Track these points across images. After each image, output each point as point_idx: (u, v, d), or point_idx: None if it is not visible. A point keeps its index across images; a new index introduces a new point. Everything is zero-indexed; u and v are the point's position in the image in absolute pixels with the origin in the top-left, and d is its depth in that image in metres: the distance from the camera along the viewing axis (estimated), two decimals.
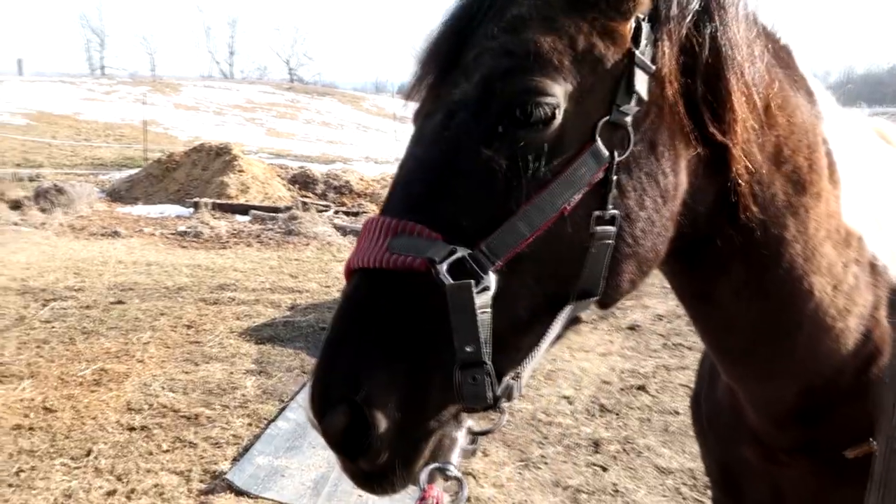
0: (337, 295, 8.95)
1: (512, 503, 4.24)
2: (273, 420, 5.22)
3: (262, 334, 7.26)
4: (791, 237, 1.32)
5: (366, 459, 1.04)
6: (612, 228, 1.13)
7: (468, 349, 1.02)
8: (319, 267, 10.64)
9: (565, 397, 5.82)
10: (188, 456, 4.66)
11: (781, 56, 1.36)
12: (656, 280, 1.46)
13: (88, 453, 4.64)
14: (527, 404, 5.63)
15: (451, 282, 1.01)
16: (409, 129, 1.27)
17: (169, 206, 15.46)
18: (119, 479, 4.34)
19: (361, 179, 18.19)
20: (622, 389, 6.01)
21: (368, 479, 1.08)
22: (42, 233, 12.49)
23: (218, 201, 15.03)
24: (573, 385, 6.09)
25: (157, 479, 4.36)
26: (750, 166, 1.25)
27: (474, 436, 1.13)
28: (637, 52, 1.14)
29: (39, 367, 6.14)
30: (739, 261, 1.33)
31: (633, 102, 1.13)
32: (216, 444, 4.85)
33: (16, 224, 12.86)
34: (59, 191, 14.26)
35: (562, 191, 1.08)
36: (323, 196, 16.86)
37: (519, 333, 1.12)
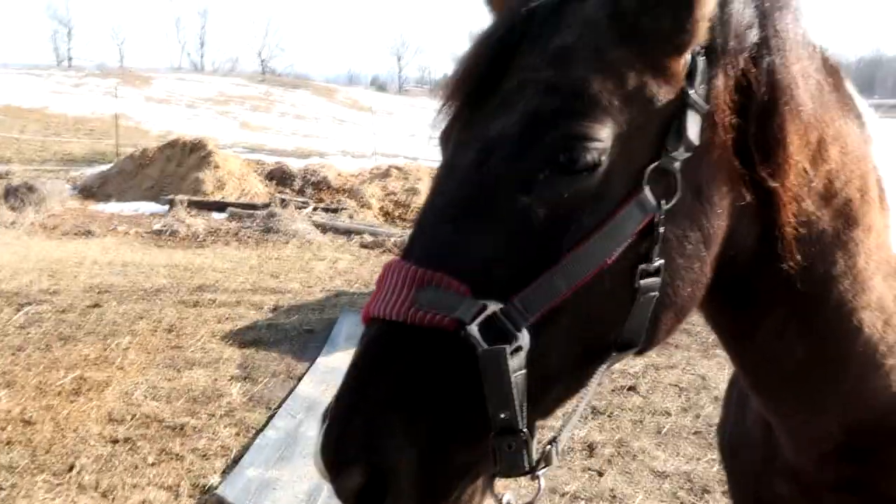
0: (320, 295, 8.88)
1: None
2: (262, 429, 5.10)
3: (246, 337, 7.12)
4: (839, 273, 1.25)
5: None
6: (657, 280, 1.07)
7: (502, 416, 0.96)
8: (300, 266, 10.49)
9: None
10: (175, 469, 4.53)
11: (831, 79, 1.28)
12: None
13: (71, 468, 4.49)
14: None
15: (485, 347, 0.94)
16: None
17: (143, 204, 15.14)
18: (104, 495, 4.21)
19: (339, 175, 17.97)
20: (613, 390, 5.99)
21: None
22: (13, 232, 12.13)
23: (194, 198, 14.74)
24: None
25: (144, 494, 4.23)
26: (798, 209, 1.17)
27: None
28: (691, 91, 1.06)
29: (16, 375, 5.94)
30: (783, 299, 1.26)
31: (683, 146, 1.06)
32: (204, 455, 4.72)
33: None
34: (30, 188, 13.85)
35: (604, 243, 1.02)
36: (300, 192, 16.63)
37: (553, 391, 1.07)
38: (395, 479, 0.97)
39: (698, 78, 1.06)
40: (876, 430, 1.36)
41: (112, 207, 15.01)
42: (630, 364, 6.60)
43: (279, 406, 5.49)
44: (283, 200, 14.56)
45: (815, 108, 1.16)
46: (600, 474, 4.59)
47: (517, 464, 0.99)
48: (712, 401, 5.75)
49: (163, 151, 17.53)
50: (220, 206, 14.43)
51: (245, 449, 4.80)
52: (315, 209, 14.90)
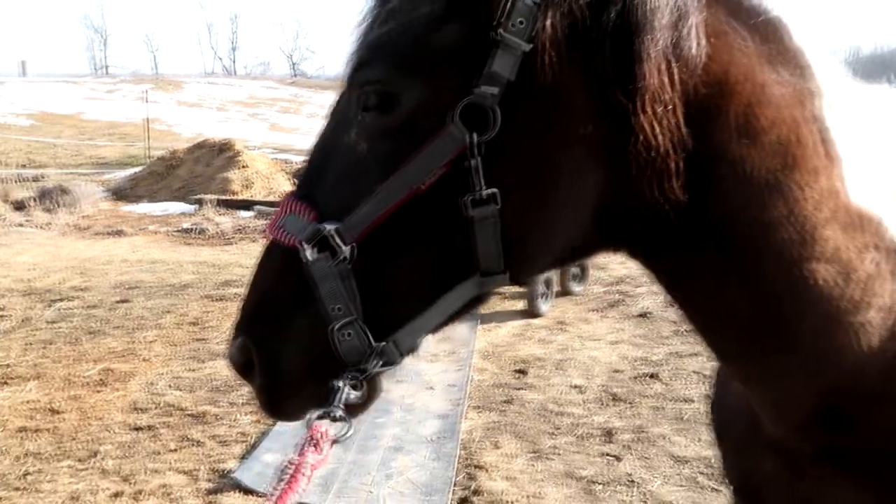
0: None
1: (524, 496, 4.16)
2: None
3: None
4: (779, 218, 1.19)
5: (251, 383, 1.25)
6: (492, 208, 1.12)
7: (338, 308, 1.14)
8: None
9: (576, 387, 5.73)
10: (195, 455, 4.60)
11: (759, 29, 1.23)
12: None
13: (94, 455, 4.59)
14: (537, 394, 5.55)
15: (311, 257, 1.15)
16: None
17: (172, 204, 15.44)
18: (125, 480, 4.29)
19: None
20: (634, 378, 5.91)
21: (258, 398, 1.26)
22: (46, 233, 12.47)
23: (222, 197, 15.00)
24: (584, 374, 6.00)
25: (163, 479, 4.31)
26: (662, 140, 1.14)
27: (355, 388, 1.17)
28: (502, 32, 1.10)
29: (45, 368, 6.11)
30: (716, 247, 1.22)
31: (496, 84, 1.11)
32: (223, 442, 4.79)
33: (20, 225, 12.85)
34: (63, 191, 14.24)
35: (414, 172, 1.12)
36: None
37: (398, 300, 1.18)
38: (258, 354, 1.21)
39: (516, 17, 1.10)
40: (852, 393, 1.28)
41: (143, 208, 15.34)
42: (652, 352, 6.52)
43: None
44: None
45: (685, 41, 1.14)
46: (618, 459, 4.53)
47: (354, 348, 1.14)
48: None
49: (191, 153, 17.88)
50: (248, 205, 14.65)
51: (263, 435, 4.85)
52: None
